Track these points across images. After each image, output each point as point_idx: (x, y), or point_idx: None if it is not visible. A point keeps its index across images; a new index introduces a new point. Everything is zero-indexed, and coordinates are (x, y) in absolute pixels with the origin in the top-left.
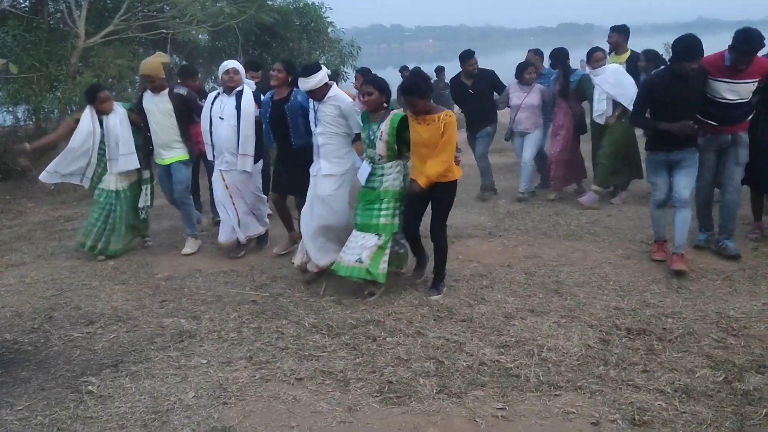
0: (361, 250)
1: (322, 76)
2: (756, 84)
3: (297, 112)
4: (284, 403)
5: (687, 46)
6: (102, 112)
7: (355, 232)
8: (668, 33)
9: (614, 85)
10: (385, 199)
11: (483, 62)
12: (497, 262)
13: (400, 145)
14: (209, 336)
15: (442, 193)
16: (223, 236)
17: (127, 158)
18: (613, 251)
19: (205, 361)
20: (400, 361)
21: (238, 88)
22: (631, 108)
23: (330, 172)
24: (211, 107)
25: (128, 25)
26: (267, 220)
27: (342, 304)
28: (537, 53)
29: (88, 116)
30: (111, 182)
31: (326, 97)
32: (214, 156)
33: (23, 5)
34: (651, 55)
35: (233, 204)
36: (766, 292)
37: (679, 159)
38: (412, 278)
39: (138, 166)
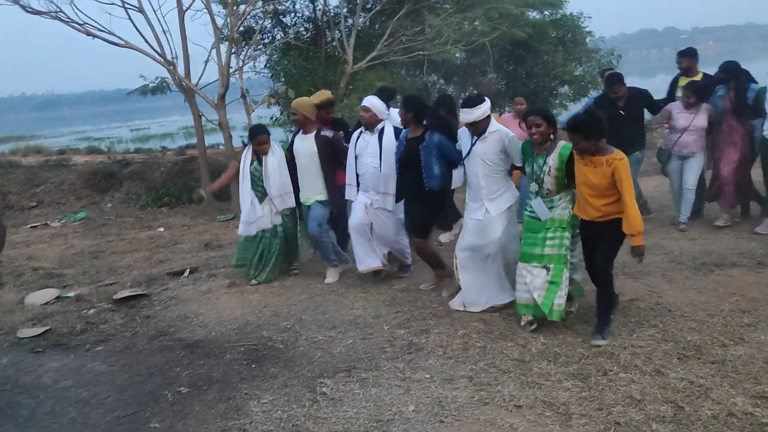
0: (532, 289)
1: (486, 108)
2: None
3: (431, 152)
4: (500, 430)
5: None
6: (260, 153)
7: (520, 264)
8: None
9: None
10: (551, 228)
11: None
12: (766, 298)
13: (569, 178)
14: (435, 351)
15: (614, 227)
16: (363, 264)
17: (283, 198)
18: None
19: (428, 376)
20: (632, 401)
21: (380, 126)
22: None
23: (498, 211)
24: (356, 146)
25: (390, 50)
26: (409, 257)
27: (573, 330)
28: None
29: (244, 156)
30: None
31: (487, 132)
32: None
33: (305, 36)
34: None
35: (371, 230)
36: None
37: None
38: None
39: (293, 205)
